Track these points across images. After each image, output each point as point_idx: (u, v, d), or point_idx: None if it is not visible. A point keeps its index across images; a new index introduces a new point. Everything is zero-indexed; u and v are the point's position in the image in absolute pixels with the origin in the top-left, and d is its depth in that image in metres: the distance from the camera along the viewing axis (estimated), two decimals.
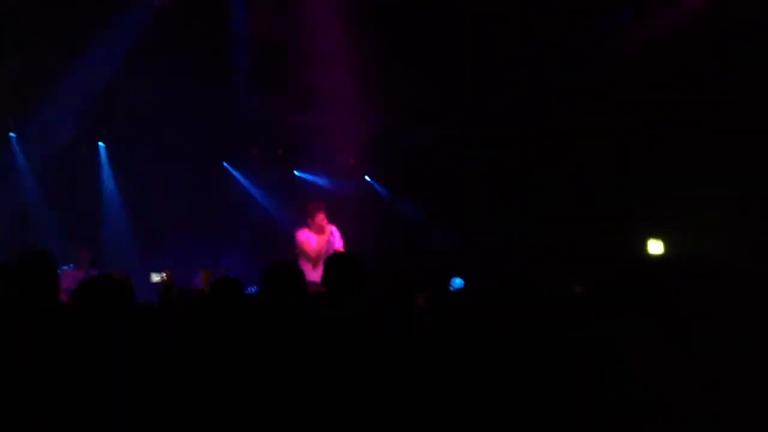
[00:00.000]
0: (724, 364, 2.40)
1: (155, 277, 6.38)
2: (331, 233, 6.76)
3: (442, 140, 9.24)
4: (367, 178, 10.01)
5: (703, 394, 2.36)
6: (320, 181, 9.87)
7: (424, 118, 9.21)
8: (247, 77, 9.03)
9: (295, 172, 10.09)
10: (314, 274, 6.08)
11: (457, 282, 7.83)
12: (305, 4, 8.51)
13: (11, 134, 8.53)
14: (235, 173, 10.00)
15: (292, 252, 6.83)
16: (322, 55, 8.46)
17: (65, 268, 7.04)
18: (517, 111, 8.73)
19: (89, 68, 8.21)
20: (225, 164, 9.98)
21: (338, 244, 6.76)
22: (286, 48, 8.66)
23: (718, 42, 7.38)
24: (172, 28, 8.22)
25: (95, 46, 8.19)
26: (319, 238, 6.75)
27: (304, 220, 6.92)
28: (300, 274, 3.21)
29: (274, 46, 8.79)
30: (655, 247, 8.45)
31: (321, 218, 6.78)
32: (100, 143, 9.14)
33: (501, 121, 8.87)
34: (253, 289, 4.56)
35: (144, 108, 8.70)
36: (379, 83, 8.53)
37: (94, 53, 8.22)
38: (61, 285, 7.37)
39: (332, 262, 3.37)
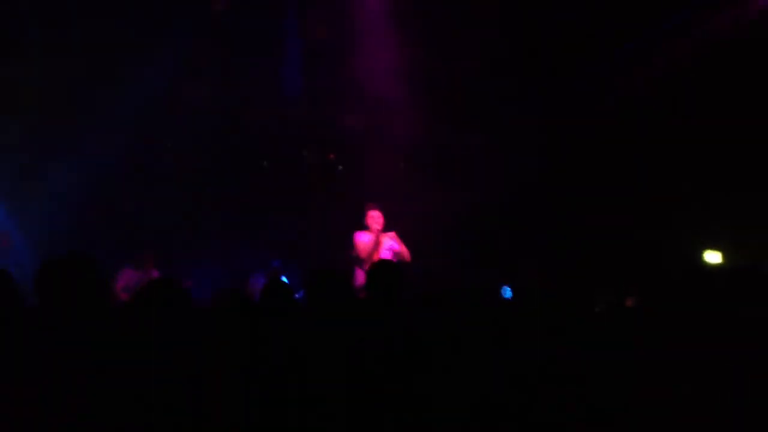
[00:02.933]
0: None
1: None
2: (385, 240, 6.62)
3: (493, 143, 9.17)
4: None
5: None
6: None
7: (474, 119, 9.23)
8: (297, 79, 9.21)
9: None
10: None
11: (507, 291, 7.76)
12: (357, 6, 8.67)
13: None
14: None
15: (349, 253, 6.72)
16: (372, 56, 8.59)
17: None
18: (570, 117, 8.73)
19: (147, 72, 8.47)
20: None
21: (387, 252, 6.56)
22: (337, 50, 8.83)
23: None
24: (225, 31, 8.46)
25: (153, 49, 8.45)
26: (375, 241, 6.59)
27: (363, 221, 6.76)
28: (346, 281, 3.34)
29: (325, 48, 8.96)
30: (713, 257, 8.28)
31: (373, 219, 6.66)
32: None
33: (553, 127, 8.85)
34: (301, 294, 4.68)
35: (192, 109, 8.92)
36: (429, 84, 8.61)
37: (153, 56, 8.49)
38: (120, 283, 7.56)
39: (374, 270, 3.46)
